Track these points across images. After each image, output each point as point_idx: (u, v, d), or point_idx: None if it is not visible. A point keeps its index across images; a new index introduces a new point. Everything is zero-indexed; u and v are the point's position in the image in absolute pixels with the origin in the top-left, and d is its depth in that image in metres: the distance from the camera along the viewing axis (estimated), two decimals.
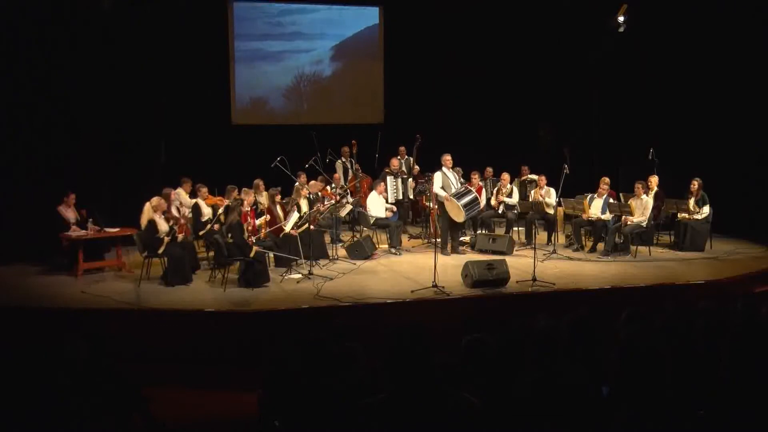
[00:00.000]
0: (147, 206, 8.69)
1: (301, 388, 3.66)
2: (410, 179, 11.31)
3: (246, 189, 9.34)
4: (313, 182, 10.46)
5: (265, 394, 4.00)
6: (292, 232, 9.21)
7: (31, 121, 10.12)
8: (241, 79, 13.36)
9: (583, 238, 10.47)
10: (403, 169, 12.01)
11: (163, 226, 8.59)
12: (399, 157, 12.24)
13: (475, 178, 10.95)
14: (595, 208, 10.22)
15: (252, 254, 8.22)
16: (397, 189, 11.29)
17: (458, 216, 9.81)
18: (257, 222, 9.05)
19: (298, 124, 12.98)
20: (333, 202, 10.20)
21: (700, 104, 11.47)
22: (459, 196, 9.69)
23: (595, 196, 10.31)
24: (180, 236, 8.68)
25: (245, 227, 8.41)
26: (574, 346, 3.45)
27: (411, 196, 11.40)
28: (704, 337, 4.05)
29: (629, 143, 12.40)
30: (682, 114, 11.70)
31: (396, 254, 10.10)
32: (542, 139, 13.88)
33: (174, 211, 9.23)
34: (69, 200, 9.39)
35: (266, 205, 9.46)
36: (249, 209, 8.84)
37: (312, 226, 9.30)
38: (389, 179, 11.21)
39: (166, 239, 8.48)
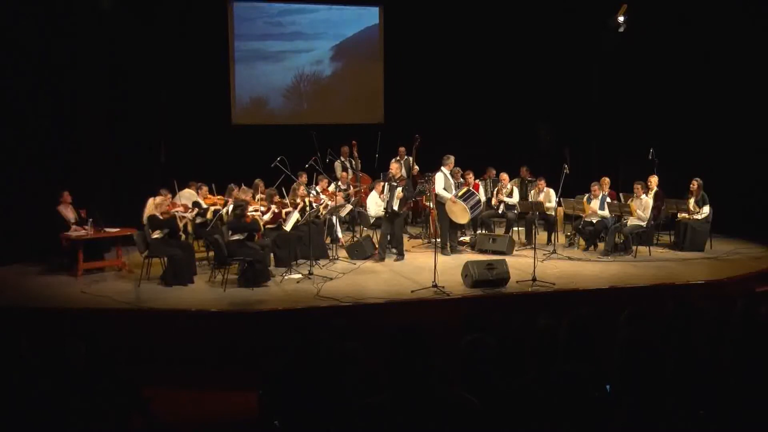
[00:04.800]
0: (150, 202, 8.71)
1: (301, 388, 3.66)
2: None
3: (245, 188, 9.33)
4: (321, 179, 10.49)
5: (265, 394, 3.99)
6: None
7: (31, 121, 10.12)
8: (241, 79, 13.36)
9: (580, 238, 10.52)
10: (403, 173, 11.99)
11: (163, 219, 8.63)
12: (398, 158, 12.23)
13: (470, 176, 10.99)
14: (594, 207, 10.23)
15: (261, 227, 8.42)
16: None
17: (462, 217, 9.83)
18: (265, 217, 9.07)
19: (298, 124, 12.96)
20: (334, 202, 10.19)
21: (700, 104, 11.47)
22: (465, 197, 9.73)
23: (591, 196, 10.35)
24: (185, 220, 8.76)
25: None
26: (574, 346, 3.45)
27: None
28: (704, 337, 4.05)
29: (629, 143, 12.40)
30: (682, 114, 11.70)
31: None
32: (542, 139, 13.88)
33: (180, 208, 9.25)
34: (65, 198, 9.39)
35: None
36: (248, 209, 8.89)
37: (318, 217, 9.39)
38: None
39: (186, 219, 8.58)
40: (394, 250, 9.90)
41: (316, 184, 10.51)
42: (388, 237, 9.80)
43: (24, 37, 9.93)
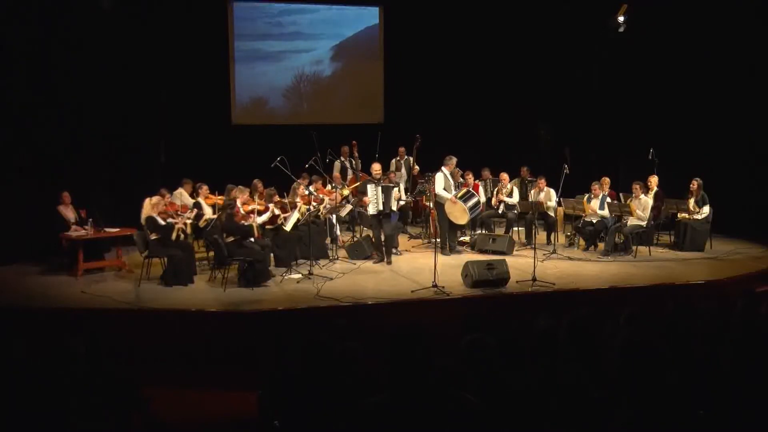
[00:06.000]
0: (147, 202, 8.71)
1: (301, 388, 3.66)
2: (395, 189, 9.56)
3: (241, 188, 9.32)
4: (335, 194, 10.46)
5: (265, 394, 3.99)
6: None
7: (32, 121, 10.12)
8: (241, 79, 13.36)
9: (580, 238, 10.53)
10: (402, 171, 11.97)
11: (162, 223, 8.60)
12: (399, 158, 12.24)
13: (469, 177, 10.99)
14: (594, 206, 10.24)
15: (256, 232, 8.40)
16: (377, 200, 9.46)
17: (461, 218, 9.82)
18: (259, 219, 9.04)
19: (298, 124, 12.97)
20: (333, 202, 10.18)
21: (699, 104, 11.47)
22: (465, 198, 9.73)
23: (591, 196, 10.36)
24: (180, 226, 8.70)
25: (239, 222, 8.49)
26: (573, 346, 3.45)
27: (393, 208, 9.53)
28: (704, 337, 4.05)
29: (629, 143, 12.40)
30: (682, 114, 11.70)
31: (396, 254, 10.08)
32: (542, 139, 13.88)
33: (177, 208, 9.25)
34: (64, 199, 9.40)
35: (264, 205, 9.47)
36: (246, 209, 8.87)
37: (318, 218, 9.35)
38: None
39: (178, 226, 8.54)
40: (393, 250, 9.92)
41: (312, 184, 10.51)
42: (382, 238, 9.71)
43: (24, 37, 9.93)
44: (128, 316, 7.35)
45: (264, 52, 13.49)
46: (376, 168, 9.87)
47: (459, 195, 9.80)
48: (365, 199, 9.59)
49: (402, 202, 10.36)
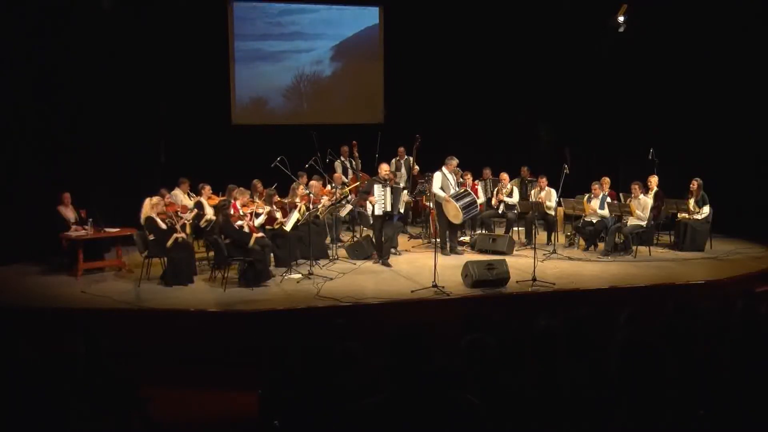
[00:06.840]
0: (147, 202, 8.71)
1: (301, 388, 3.66)
2: (405, 191, 9.66)
3: (242, 189, 9.34)
4: (312, 182, 10.44)
5: (265, 394, 4.00)
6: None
7: (31, 121, 10.12)
8: (241, 79, 13.36)
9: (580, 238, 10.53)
10: (402, 171, 11.97)
11: (161, 225, 8.60)
12: (398, 158, 12.23)
13: (468, 177, 10.98)
14: (594, 206, 10.24)
15: (252, 241, 8.32)
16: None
17: (456, 218, 9.81)
18: (257, 221, 9.03)
19: (298, 124, 12.97)
20: (332, 201, 10.17)
21: (700, 104, 11.47)
22: (458, 197, 9.70)
23: (591, 196, 10.36)
24: (179, 235, 8.66)
25: (236, 225, 8.46)
26: (573, 346, 3.45)
27: (401, 210, 9.76)
28: (704, 337, 4.05)
29: (629, 143, 12.40)
30: (682, 114, 11.70)
31: (396, 254, 10.08)
32: (542, 139, 13.88)
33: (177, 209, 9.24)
34: (65, 200, 9.40)
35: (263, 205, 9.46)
36: (246, 210, 8.86)
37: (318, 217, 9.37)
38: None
39: (176, 234, 8.51)
40: (393, 250, 9.91)
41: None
42: (383, 238, 9.65)
43: (24, 37, 9.93)
44: (128, 316, 7.35)
45: (264, 52, 13.49)
46: (385, 168, 9.89)
47: (453, 194, 9.76)
48: (371, 198, 9.52)
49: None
